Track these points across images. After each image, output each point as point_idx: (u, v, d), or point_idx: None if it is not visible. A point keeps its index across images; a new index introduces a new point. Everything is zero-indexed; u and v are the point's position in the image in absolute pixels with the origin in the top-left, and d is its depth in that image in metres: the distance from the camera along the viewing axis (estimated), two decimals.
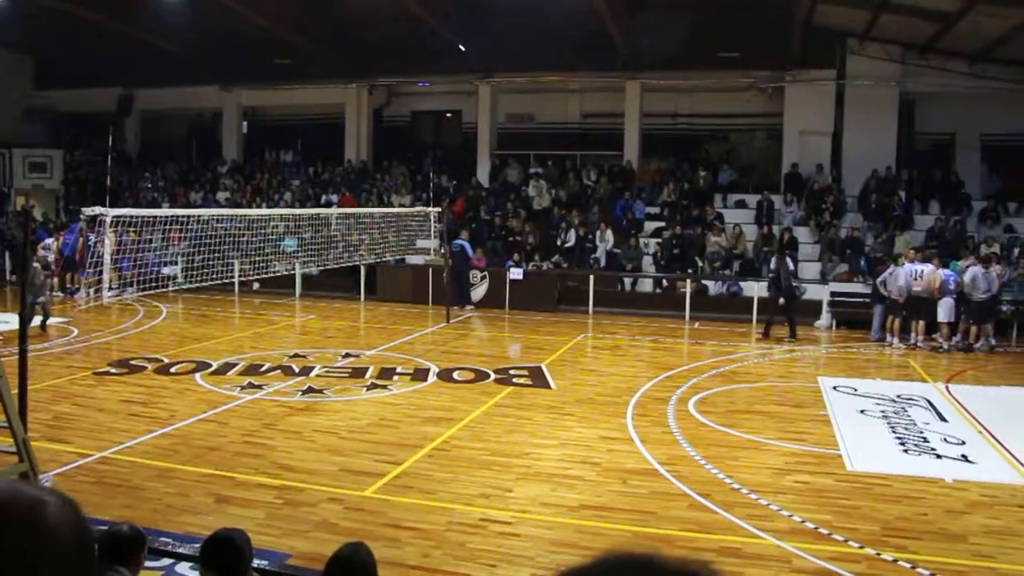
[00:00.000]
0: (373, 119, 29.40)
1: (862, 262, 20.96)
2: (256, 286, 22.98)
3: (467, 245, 21.72)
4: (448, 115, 29.59)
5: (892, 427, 11.10)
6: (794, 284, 18.99)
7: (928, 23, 21.07)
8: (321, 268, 20.63)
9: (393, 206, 24.59)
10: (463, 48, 25.73)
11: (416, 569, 6.46)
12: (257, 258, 17.79)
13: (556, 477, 8.71)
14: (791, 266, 18.71)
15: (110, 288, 12.09)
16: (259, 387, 12.44)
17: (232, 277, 17.91)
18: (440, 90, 28.83)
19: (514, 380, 13.40)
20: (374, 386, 12.73)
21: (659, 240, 23.01)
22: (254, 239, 17.64)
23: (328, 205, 25.75)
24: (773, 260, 19.11)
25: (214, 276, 14.45)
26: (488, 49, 25.82)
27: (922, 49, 23.32)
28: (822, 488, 8.60)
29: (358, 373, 13.60)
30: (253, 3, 23.15)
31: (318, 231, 19.96)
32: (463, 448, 9.63)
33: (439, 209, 20.50)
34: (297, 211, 21.96)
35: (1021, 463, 9.57)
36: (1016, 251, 20.50)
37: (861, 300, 19.26)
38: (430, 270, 21.50)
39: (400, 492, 8.12)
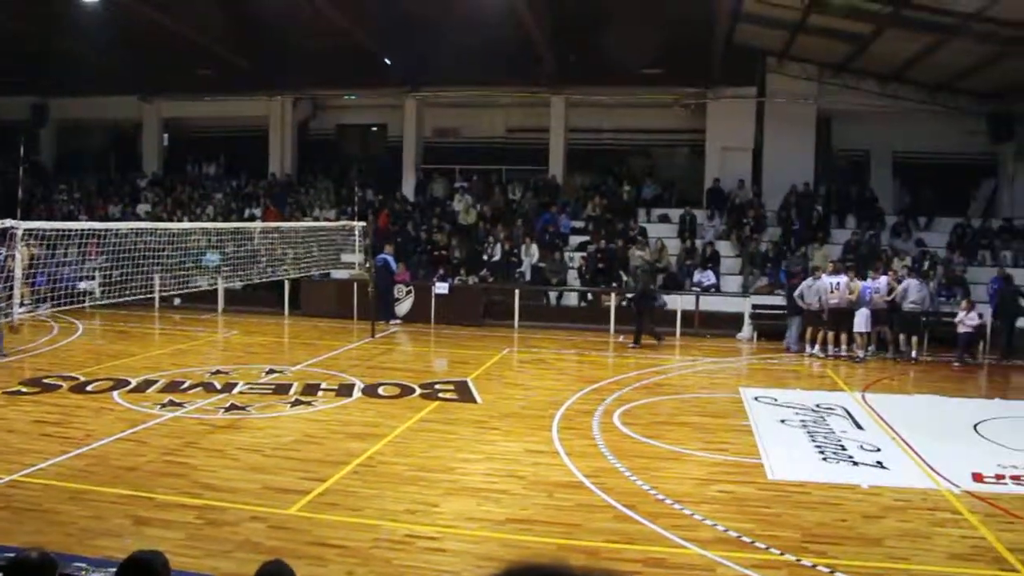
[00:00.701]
0: (298, 132, 29.13)
1: (781, 275, 21.41)
2: (177, 301, 22.53)
3: (391, 259, 21.62)
4: (374, 129, 29.46)
5: (811, 436, 11.34)
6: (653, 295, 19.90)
7: (843, 44, 21.72)
8: (244, 283, 20.32)
9: (318, 220, 24.35)
10: (389, 62, 25.66)
11: None
12: (178, 273, 17.41)
13: (482, 491, 8.70)
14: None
15: (22, 304, 11.71)
16: (180, 405, 12.17)
17: (152, 292, 17.52)
18: (366, 103, 28.70)
19: (440, 395, 13.35)
20: (298, 402, 12.57)
21: (584, 254, 23.20)
22: (175, 253, 17.26)
23: (252, 219, 25.41)
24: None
25: (133, 291, 14.11)
26: (415, 63, 25.81)
27: (838, 69, 24.03)
28: (744, 497, 8.74)
29: (282, 389, 13.41)
30: (173, 12, 22.77)
31: (241, 245, 19.62)
32: (388, 464, 9.56)
33: (364, 223, 20.37)
34: (220, 225, 21.57)
35: (931, 468, 9.86)
36: (926, 264, 21.15)
37: (782, 312, 19.67)
38: (355, 285, 21.32)
39: (325, 509, 8.02)
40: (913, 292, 18.16)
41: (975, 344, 17.83)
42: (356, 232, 20.14)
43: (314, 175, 28.27)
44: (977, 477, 9.51)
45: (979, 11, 17.15)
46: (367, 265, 19.82)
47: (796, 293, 18.79)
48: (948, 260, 21.92)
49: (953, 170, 25.12)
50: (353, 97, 28.45)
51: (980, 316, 17.88)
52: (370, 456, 9.81)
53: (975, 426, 12.14)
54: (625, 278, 22.14)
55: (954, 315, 19.80)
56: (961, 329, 17.62)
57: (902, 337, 18.21)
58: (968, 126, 24.20)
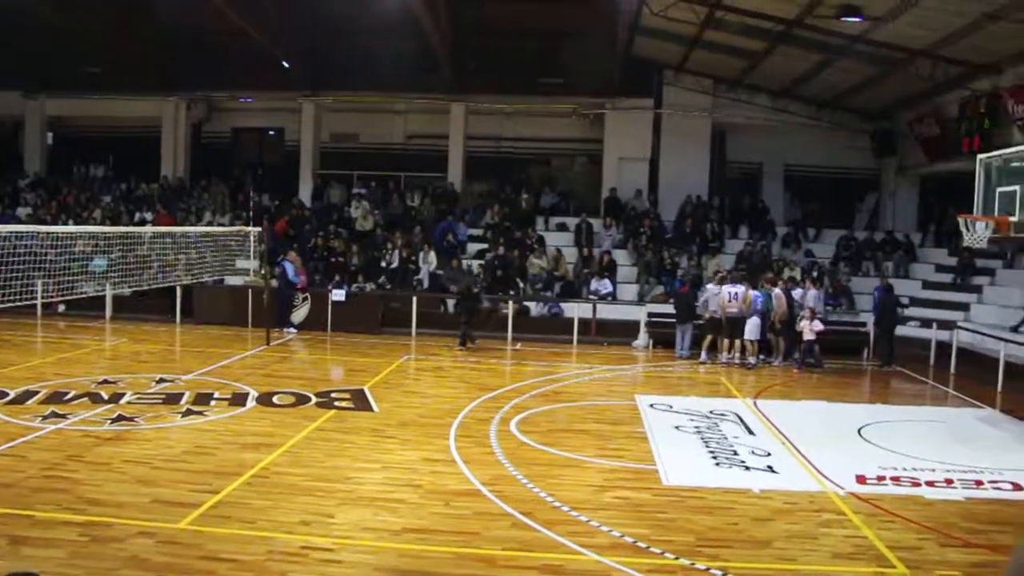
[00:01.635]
0: (191, 134, 28.42)
1: (676, 283, 21.82)
2: (62, 308, 21.72)
3: (290, 266, 21.26)
4: (271, 132, 28.95)
5: (705, 442, 11.59)
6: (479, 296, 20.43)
7: (737, 59, 22.37)
8: (134, 289, 19.70)
9: (212, 225, 23.81)
10: (287, 64, 25.28)
11: None
12: (63, 278, 16.78)
13: (379, 501, 8.62)
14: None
15: None
16: (63, 416, 11.70)
17: (34, 299, 16.86)
18: (263, 107, 28.17)
19: (336, 403, 13.19)
20: (190, 412, 12.24)
21: (482, 262, 23.24)
22: (59, 258, 16.66)
23: (142, 223, 24.66)
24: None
25: (13, 297, 13.52)
26: (313, 67, 25.52)
27: (732, 83, 24.74)
28: (640, 503, 8.87)
29: (173, 399, 13.04)
30: (59, 3, 21.93)
31: (131, 250, 19.04)
32: (283, 474, 9.39)
33: (259, 229, 20.00)
34: (107, 229, 20.89)
35: (818, 471, 10.20)
36: (815, 274, 21.87)
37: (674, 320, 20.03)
38: (250, 291, 20.91)
39: (217, 522, 7.82)
40: (813, 301, 18.78)
41: (814, 351, 18.34)
42: (251, 238, 19.77)
43: (208, 179, 27.61)
44: (860, 479, 9.87)
45: (862, 33, 17.90)
46: (262, 271, 19.46)
47: (700, 301, 19.24)
48: (834, 270, 22.71)
49: (840, 183, 26.11)
50: (249, 100, 27.93)
51: (823, 324, 18.42)
52: (264, 467, 9.62)
53: (859, 430, 12.60)
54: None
55: (841, 323, 20.60)
56: (806, 336, 18.17)
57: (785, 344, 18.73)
58: (854, 142, 25.22)
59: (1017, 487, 9.87)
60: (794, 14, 17.65)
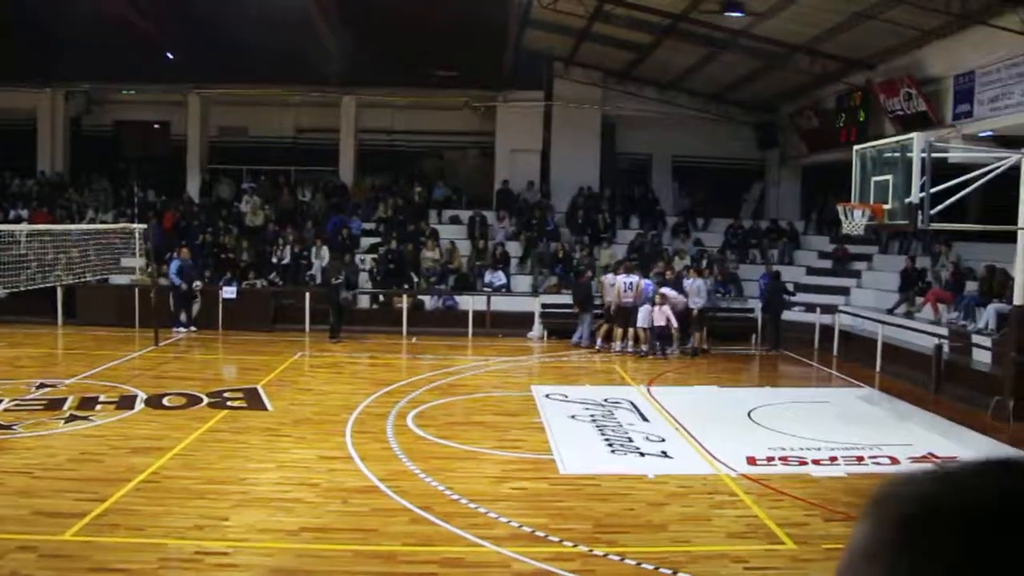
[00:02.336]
0: (70, 128, 27.27)
1: (570, 275, 22.03)
2: None
3: (183, 263, 20.60)
4: (155, 126, 28.02)
5: (600, 430, 11.75)
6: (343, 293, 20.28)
7: (625, 52, 22.68)
8: (10, 290, 18.80)
9: (95, 222, 22.93)
10: (172, 56, 24.51)
11: None
12: None
13: (274, 501, 8.46)
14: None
15: None
16: None
17: None
18: (147, 99, 27.19)
19: (228, 403, 12.89)
20: (73, 418, 11.77)
21: (375, 256, 23.01)
22: None
23: (18, 221, 23.58)
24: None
25: None
26: (200, 58, 24.76)
27: (621, 75, 25.06)
28: (537, 493, 8.94)
29: (55, 405, 12.51)
30: None
31: (5, 250, 18.18)
32: (175, 478, 9.12)
33: (145, 226, 19.36)
34: None
35: (711, 454, 10.45)
36: (704, 263, 22.38)
37: (571, 311, 20.24)
38: (136, 290, 20.23)
39: (105, 531, 7.54)
40: (703, 291, 19.19)
41: (668, 337, 18.73)
42: (136, 235, 19.13)
43: (89, 175, 26.59)
44: (751, 460, 10.17)
45: (745, 28, 18.37)
46: (149, 270, 18.86)
47: (596, 291, 19.47)
48: (722, 259, 23.28)
49: (726, 174, 26.75)
50: (132, 92, 26.97)
51: (672, 309, 18.61)
52: (154, 471, 9.32)
53: (749, 413, 12.97)
54: (415, 279, 22.21)
55: (730, 310, 21.15)
56: (656, 322, 18.45)
57: (697, 335, 19.09)
58: (739, 134, 25.87)
59: (895, 461, 10.32)
60: (680, 8, 17.98)
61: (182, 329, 20.25)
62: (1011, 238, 13.30)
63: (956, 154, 13.86)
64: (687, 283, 19.37)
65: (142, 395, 13.18)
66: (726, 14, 17.42)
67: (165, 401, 12.92)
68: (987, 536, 0.70)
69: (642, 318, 18.70)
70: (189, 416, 12.04)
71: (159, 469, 9.42)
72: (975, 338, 15.96)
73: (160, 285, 19.10)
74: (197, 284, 20.63)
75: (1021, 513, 0.71)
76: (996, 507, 0.72)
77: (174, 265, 20.53)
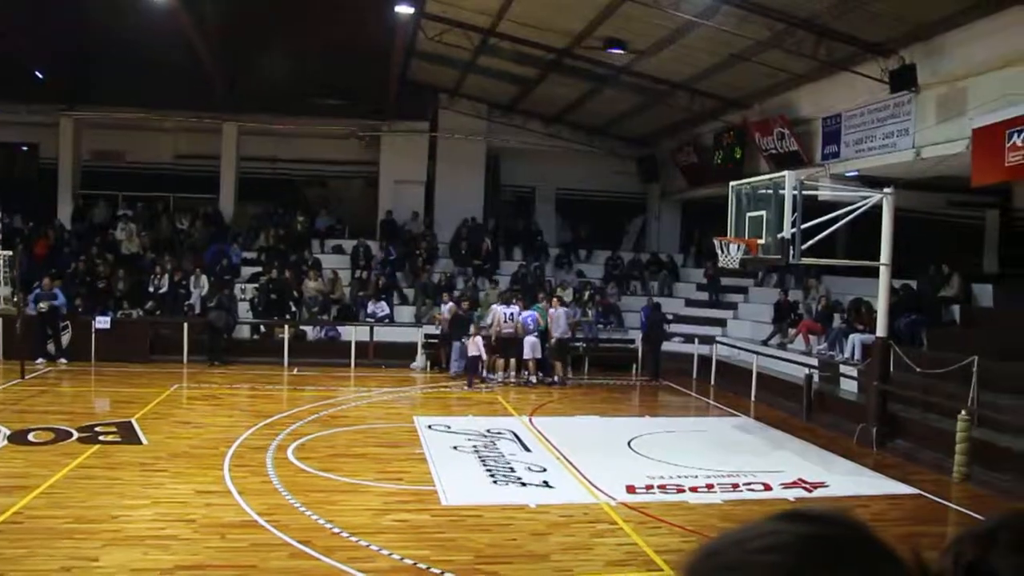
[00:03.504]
0: None
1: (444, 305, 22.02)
2: None
3: (60, 293, 19.86)
4: (23, 148, 26.91)
5: (483, 460, 11.82)
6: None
7: (511, 85, 23.06)
8: None
9: None
10: (41, 76, 23.66)
11: None
12: None
13: (148, 539, 8.21)
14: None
15: None
16: None
17: None
18: (13, 119, 26.05)
19: (100, 438, 12.44)
20: None
21: (256, 285, 22.63)
22: None
23: None
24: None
25: None
26: (73, 79, 24.00)
27: (506, 108, 25.45)
28: (419, 524, 8.94)
29: None
30: None
31: None
32: (40, 518, 8.74)
33: (11, 253, 18.59)
34: None
35: (591, 483, 10.64)
36: (587, 294, 22.81)
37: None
38: (0, 320, 19.35)
39: None
40: (563, 321, 19.45)
41: (479, 367, 18.92)
42: (1, 262, 18.36)
43: None
44: (630, 489, 10.39)
45: (627, 65, 18.96)
46: (15, 299, 18.09)
47: (486, 322, 19.53)
48: (603, 290, 23.75)
49: (608, 207, 27.37)
50: None
51: (484, 340, 19.04)
52: (17, 511, 8.92)
53: (629, 442, 13.25)
54: (294, 309, 21.96)
55: (611, 340, 21.59)
56: (471, 352, 18.74)
57: (559, 365, 19.34)
58: (621, 167, 26.54)
59: (767, 487, 10.71)
60: (564, 43, 18.43)
61: (41, 360, 19.33)
62: (875, 272, 14.03)
63: (825, 192, 14.56)
64: (551, 311, 19.57)
65: (5, 431, 12.58)
66: (608, 51, 17.94)
67: (31, 436, 12.37)
68: None
69: (528, 349, 18.91)
70: (57, 452, 11.57)
71: (22, 509, 9.01)
72: (842, 368, 16.72)
73: (27, 315, 18.32)
74: (42, 307, 19.64)
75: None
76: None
77: (33, 295, 19.67)
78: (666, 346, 20.51)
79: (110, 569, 7.45)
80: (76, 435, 12.53)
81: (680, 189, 25.21)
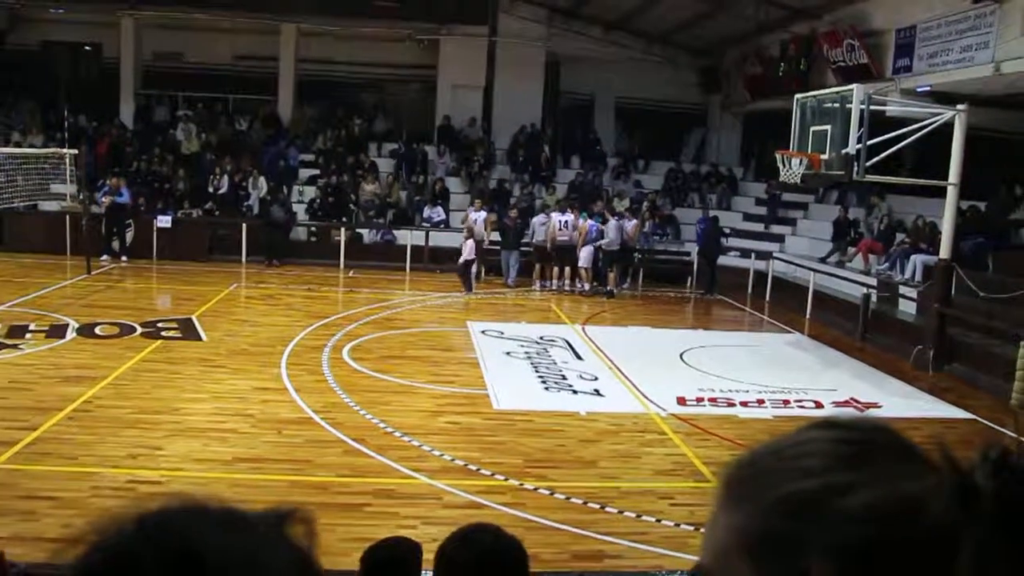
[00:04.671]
0: None
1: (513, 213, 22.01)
2: None
3: (127, 192, 20.23)
4: (86, 48, 27.08)
5: (535, 366, 11.95)
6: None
7: None
8: None
9: (21, 145, 22.27)
10: None
11: (56, 542, 6.02)
12: None
13: (208, 431, 8.50)
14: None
15: None
16: None
17: None
18: (77, 19, 26.18)
19: (162, 333, 12.80)
20: (2, 346, 11.59)
21: (314, 188, 22.80)
22: None
23: None
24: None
25: None
26: None
27: (566, 14, 24.90)
28: (470, 427, 9.11)
29: None
30: None
31: None
32: (107, 408, 9.09)
33: (76, 151, 18.86)
34: None
35: (642, 393, 10.72)
36: (644, 205, 22.58)
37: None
38: (67, 217, 19.78)
39: (35, 460, 7.53)
40: (615, 232, 19.22)
41: (469, 272, 18.63)
42: (67, 161, 18.66)
43: (15, 96, 25.70)
44: (680, 400, 10.46)
45: None
46: (80, 196, 18.44)
47: (529, 230, 19.53)
48: (658, 202, 23.49)
49: (668, 118, 26.85)
50: (60, 11, 26.00)
51: (478, 244, 18.80)
52: (86, 400, 9.28)
53: (681, 355, 13.28)
54: (354, 211, 22.07)
55: (667, 252, 21.46)
56: (465, 256, 18.40)
57: (612, 275, 19.25)
58: (682, 78, 25.94)
59: (819, 405, 10.71)
60: None
61: (106, 257, 19.78)
62: (942, 192, 13.68)
63: (894, 108, 14.12)
64: (610, 224, 19.36)
65: (74, 324, 13.01)
66: None
67: (97, 330, 12.78)
68: None
69: (584, 258, 18.87)
70: (122, 346, 11.94)
71: (91, 398, 9.38)
72: (902, 289, 16.46)
73: (92, 212, 18.69)
74: (105, 200, 19.96)
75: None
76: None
77: (101, 193, 20.04)
78: (722, 260, 20.29)
79: (173, 458, 7.74)
80: (140, 330, 12.90)
81: (742, 101, 24.63)
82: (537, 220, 19.59)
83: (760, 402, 10.70)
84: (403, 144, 24.77)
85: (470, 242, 18.50)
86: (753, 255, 20.58)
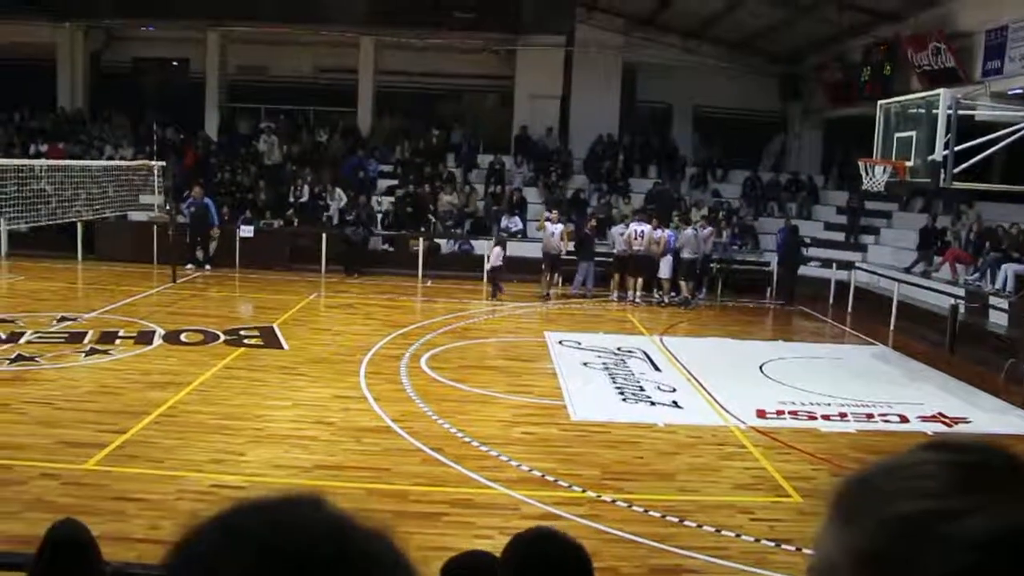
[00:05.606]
0: (90, 63, 27.22)
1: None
2: None
3: (211, 203, 20.76)
4: (174, 63, 27.90)
5: (613, 377, 11.87)
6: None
7: None
8: (31, 225, 18.95)
9: (114, 158, 22.98)
10: None
11: (144, 542, 6.18)
12: None
13: (290, 438, 8.63)
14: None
15: None
16: None
17: None
18: (165, 36, 27.01)
19: (245, 341, 13.06)
20: (93, 351, 11.98)
21: (392, 199, 23.05)
22: None
23: (37, 156, 23.66)
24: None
25: None
26: None
27: (644, 23, 24.76)
28: (548, 438, 9.08)
29: (75, 338, 12.71)
30: None
31: (25, 184, 18.29)
32: (192, 413, 9.30)
33: (164, 163, 19.40)
34: None
35: (721, 406, 10.56)
36: (721, 214, 22.30)
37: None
38: (155, 227, 20.36)
39: (124, 462, 7.74)
40: (692, 241, 18.92)
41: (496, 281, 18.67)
42: (155, 172, 19.21)
43: (109, 111, 26.57)
44: (760, 413, 10.26)
45: None
46: (167, 207, 18.95)
47: (609, 240, 19.42)
48: (737, 210, 23.19)
49: (747, 125, 26.51)
50: (151, 28, 26.83)
51: (503, 252, 18.85)
52: (172, 405, 9.51)
53: (761, 366, 13.05)
54: (433, 222, 22.24)
55: (746, 262, 21.15)
56: (494, 263, 18.56)
57: (688, 285, 19.01)
58: (761, 85, 25.61)
59: (904, 419, 10.41)
60: None
61: (190, 266, 20.27)
62: None
63: (983, 112, 13.67)
64: (685, 233, 19.16)
65: (160, 331, 13.36)
66: None
67: (183, 337, 13.10)
68: None
69: (665, 268, 18.69)
70: (206, 352, 12.22)
71: (177, 403, 9.61)
72: (992, 299, 15.92)
73: (178, 222, 19.19)
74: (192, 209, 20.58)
75: None
76: None
77: (212, 205, 20.67)
78: (802, 270, 19.93)
79: (255, 464, 7.88)
80: (223, 337, 13.18)
81: (823, 108, 24.19)
82: (616, 230, 19.48)
83: (843, 415, 10.44)
84: (468, 147, 24.88)
85: (497, 249, 18.64)
86: (834, 265, 20.14)
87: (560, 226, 19.50)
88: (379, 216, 22.47)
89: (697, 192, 24.30)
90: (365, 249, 21.23)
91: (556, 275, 19.75)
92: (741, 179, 24.97)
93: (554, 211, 20.22)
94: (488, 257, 18.88)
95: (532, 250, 21.39)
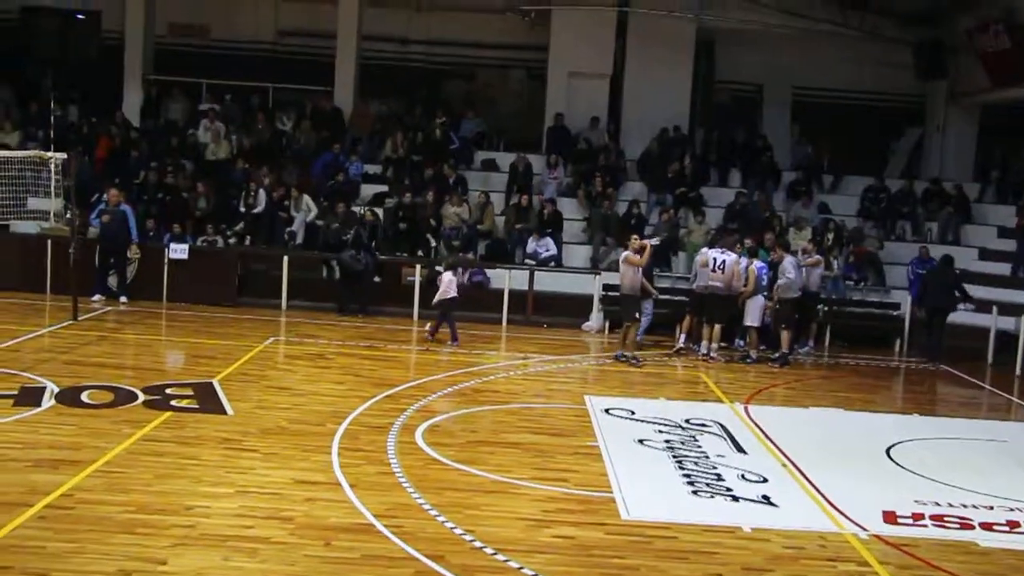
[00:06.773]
0: None
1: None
2: None
3: (130, 212, 20.79)
4: (80, 17, 27.96)
5: (679, 461, 11.72)
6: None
7: None
8: None
9: None
10: None
11: None
12: None
13: (231, 540, 8.51)
14: None
15: None
16: None
17: None
18: None
19: (172, 403, 13.02)
20: None
21: (380, 210, 23.03)
22: None
23: None
24: None
25: None
26: None
27: None
28: (590, 544, 8.93)
29: None
30: None
31: None
32: (94, 504, 9.19)
33: (65, 155, 19.47)
34: None
35: (832, 504, 10.36)
36: (830, 236, 22.07)
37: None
38: (49, 242, 20.44)
39: None
40: (795, 275, 18.56)
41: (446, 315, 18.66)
42: (52, 167, 19.29)
43: None
44: (889, 517, 10.07)
45: None
46: (68, 215, 19.02)
47: (691, 273, 19.36)
48: (858, 232, 23.05)
49: (869, 115, 26.53)
50: None
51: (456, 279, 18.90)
52: (66, 493, 9.40)
53: (888, 450, 12.86)
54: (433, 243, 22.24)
55: (866, 304, 20.99)
56: (446, 293, 18.57)
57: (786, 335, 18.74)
58: (890, 57, 25.63)
59: None
60: None
61: (99, 297, 20.31)
62: None
63: None
64: (783, 264, 18.84)
65: (52, 387, 13.31)
66: None
67: (84, 397, 13.06)
68: None
69: (754, 314, 18.42)
70: (117, 418, 12.17)
71: (73, 490, 9.49)
72: None
73: (84, 237, 19.24)
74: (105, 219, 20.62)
75: None
76: None
77: (131, 215, 20.70)
78: (951, 317, 19.69)
79: None
80: (142, 397, 13.13)
81: (980, 89, 24.18)
82: (700, 258, 19.05)
83: (1013, 525, 10.23)
84: (483, 141, 25.03)
85: (449, 275, 18.71)
86: (995, 309, 19.95)
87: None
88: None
89: (797, 207, 24.22)
90: (370, 280, 21.21)
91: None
92: (859, 189, 24.96)
93: (634, 237, 19.52)
94: (439, 282, 18.87)
95: (570, 284, 21.35)
